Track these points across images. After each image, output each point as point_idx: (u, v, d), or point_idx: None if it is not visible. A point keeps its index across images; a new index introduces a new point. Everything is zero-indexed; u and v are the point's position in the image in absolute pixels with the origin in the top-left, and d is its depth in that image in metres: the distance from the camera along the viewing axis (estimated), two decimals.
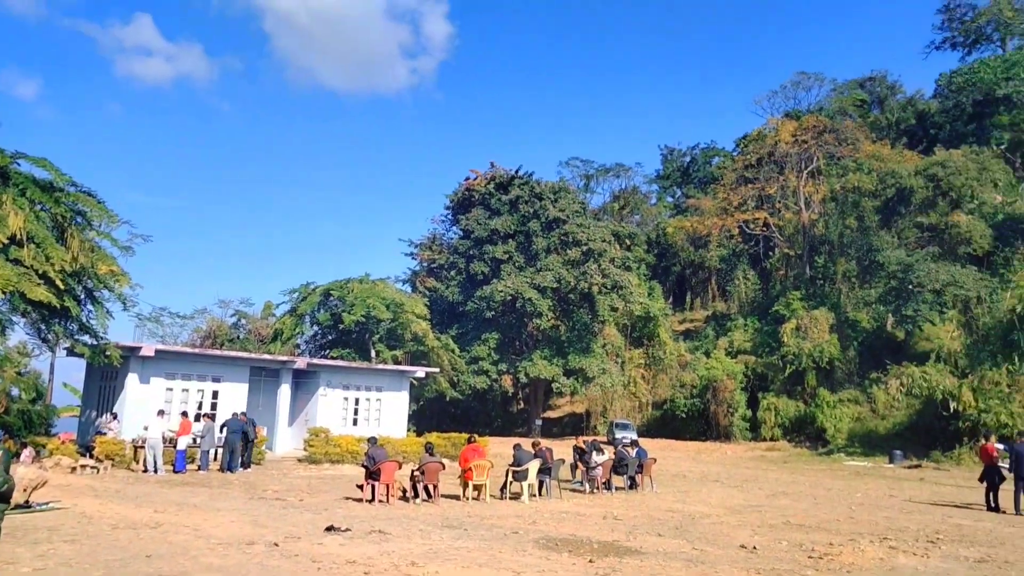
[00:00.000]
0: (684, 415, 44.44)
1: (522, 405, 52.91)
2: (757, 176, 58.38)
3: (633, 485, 18.43)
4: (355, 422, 27.26)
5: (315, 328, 40.60)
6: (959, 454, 30.03)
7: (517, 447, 16.97)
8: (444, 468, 15.38)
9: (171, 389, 22.49)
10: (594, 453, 18.14)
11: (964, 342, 36.80)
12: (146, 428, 19.33)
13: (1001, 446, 18.50)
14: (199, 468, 19.39)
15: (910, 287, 39.84)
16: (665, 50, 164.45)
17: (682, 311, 64.21)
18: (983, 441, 18.52)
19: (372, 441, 15.35)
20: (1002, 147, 53.28)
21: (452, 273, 47.40)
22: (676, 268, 66.02)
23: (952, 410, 30.71)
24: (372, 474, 14.27)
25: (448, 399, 42.62)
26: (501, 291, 41.98)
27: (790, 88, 75.38)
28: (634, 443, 20.07)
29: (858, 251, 48.12)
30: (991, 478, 16.68)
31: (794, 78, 75.25)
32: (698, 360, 48.00)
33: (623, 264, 47.31)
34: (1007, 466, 16.77)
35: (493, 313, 43.83)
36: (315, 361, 27.44)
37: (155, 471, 18.27)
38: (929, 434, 32.62)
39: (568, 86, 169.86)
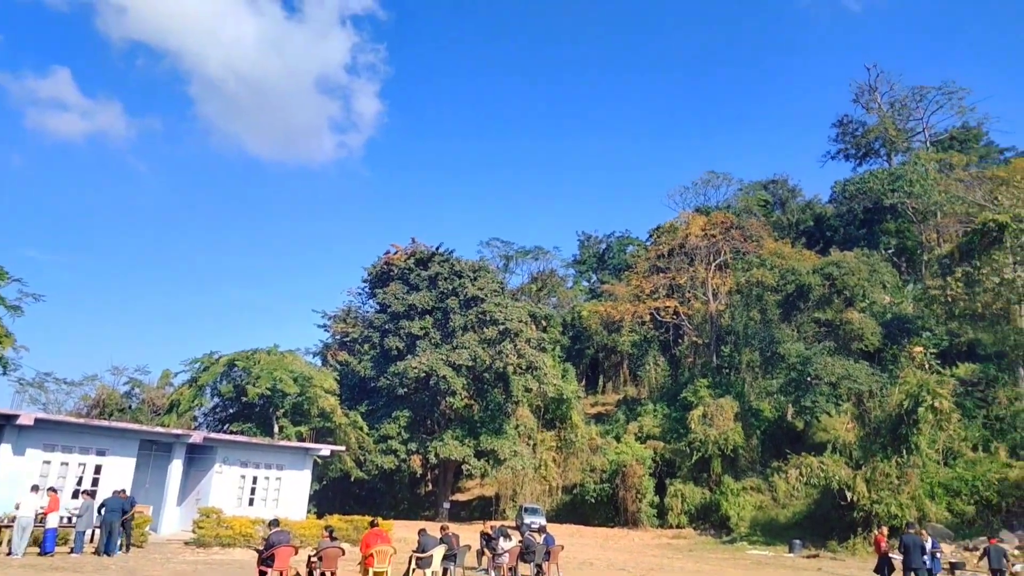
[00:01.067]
0: (593, 500, 44.19)
1: (430, 487, 51.46)
2: (669, 266, 60.80)
3: (539, 573, 17.99)
4: (251, 502, 25.77)
5: (216, 400, 38.69)
6: (854, 544, 30.92)
7: (422, 532, 16.37)
8: (344, 554, 14.62)
9: (49, 462, 20.68)
10: (501, 539, 17.69)
11: (858, 434, 38.54)
12: (17, 506, 17.62)
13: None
14: (72, 551, 17.73)
15: (808, 379, 41.72)
16: (586, 140, 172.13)
17: (594, 394, 64.81)
18: (876, 532, 19.14)
19: (273, 524, 14.49)
20: (889, 251, 57.66)
21: (366, 347, 46.49)
22: (590, 351, 66.99)
23: (848, 500, 31.78)
24: (265, 560, 13.39)
25: (353, 479, 41.01)
26: (415, 367, 41.37)
27: (701, 185, 79.97)
28: (542, 529, 19.69)
29: (761, 342, 50.24)
30: (883, 569, 17.20)
31: (705, 176, 79.84)
32: (608, 444, 48.24)
33: (539, 345, 47.67)
34: (898, 556, 17.35)
35: (406, 390, 43.01)
36: (212, 436, 25.96)
37: (18, 553, 16.57)
38: (827, 523, 33.53)
39: (493, 169, 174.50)
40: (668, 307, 58.89)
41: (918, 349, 42.85)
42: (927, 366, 42.08)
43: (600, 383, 67.57)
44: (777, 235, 68.36)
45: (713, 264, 58.89)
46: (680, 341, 60.66)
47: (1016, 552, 24.33)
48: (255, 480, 26.09)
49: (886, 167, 69.98)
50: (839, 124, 79.67)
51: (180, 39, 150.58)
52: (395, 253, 50.81)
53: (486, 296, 45.93)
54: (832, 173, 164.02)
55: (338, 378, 41.50)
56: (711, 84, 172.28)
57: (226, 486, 24.91)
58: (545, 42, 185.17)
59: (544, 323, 57.77)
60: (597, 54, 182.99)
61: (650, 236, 75.32)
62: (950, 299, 42.12)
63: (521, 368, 44.13)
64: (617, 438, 49.15)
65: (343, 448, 35.03)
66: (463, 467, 43.39)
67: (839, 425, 40.36)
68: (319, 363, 48.04)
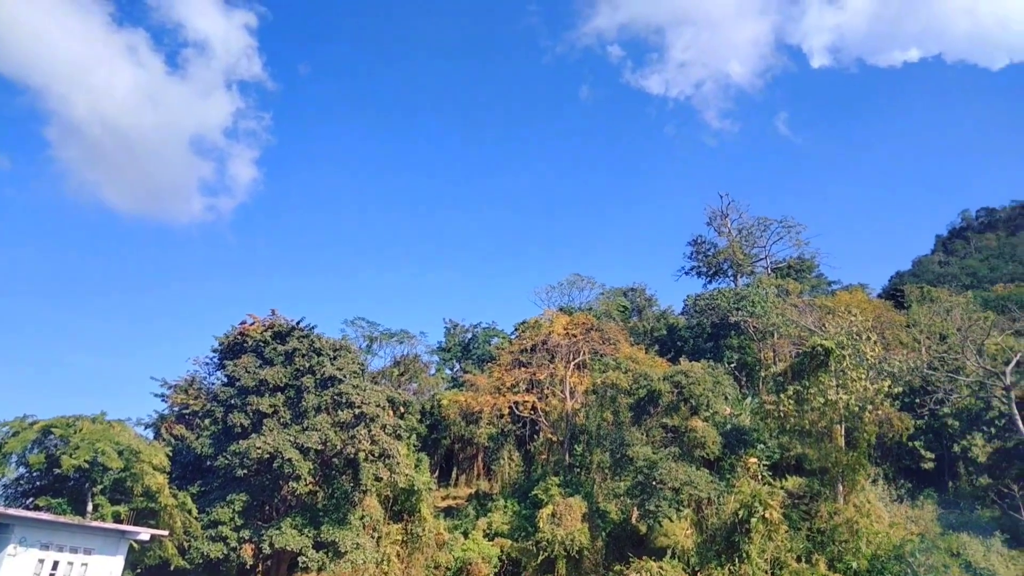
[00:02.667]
0: None
1: None
2: (531, 361, 61.83)
3: None
4: None
5: (21, 470, 34.36)
6: None
7: None
8: None
9: None
10: None
11: (696, 540, 39.84)
12: None
13: None
14: None
15: (654, 483, 42.99)
16: (462, 232, 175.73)
17: (447, 486, 63.39)
18: None
19: None
20: (732, 365, 61.77)
21: (206, 422, 43.36)
22: (446, 441, 65.95)
23: None
24: None
25: (173, 568, 37.17)
26: (259, 447, 38.87)
27: (567, 286, 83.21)
28: None
29: (612, 444, 51.55)
30: None
31: (571, 278, 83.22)
32: (456, 540, 46.96)
33: (395, 432, 46.38)
34: None
35: (245, 471, 40.16)
36: (9, 511, 22.92)
37: None
38: None
39: (364, 249, 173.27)
40: (527, 402, 59.47)
41: (753, 460, 45.50)
42: (760, 477, 44.69)
43: (454, 475, 66.29)
44: (633, 340, 71.70)
45: (572, 363, 60.53)
46: (536, 437, 61.12)
47: None
48: (56, 565, 23.14)
49: (732, 287, 76.03)
50: (693, 243, 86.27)
51: (45, 77, 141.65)
52: (252, 324, 48.50)
53: (345, 377, 44.49)
54: (685, 287, 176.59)
55: (171, 454, 38.26)
56: (585, 192, 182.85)
57: (19, 572, 21.86)
58: (433, 137, 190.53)
59: (402, 409, 56.43)
60: (480, 153, 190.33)
61: (515, 330, 76.74)
62: (782, 415, 45.38)
63: (374, 455, 42.56)
64: (465, 534, 47.98)
65: (166, 533, 31.93)
66: (299, 559, 40.54)
67: (679, 530, 41.59)
68: (151, 436, 44.24)
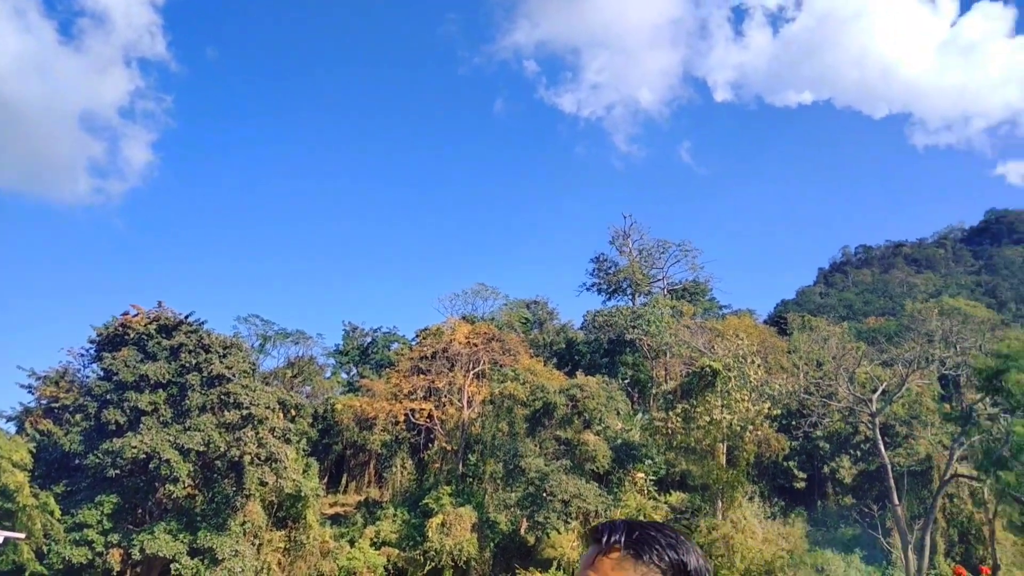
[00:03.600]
0: None
1: None
2: (430, 368, 61.37)
3: None
4: None
5: None
6: None
7: None
8: None
9: None
10: None
11: (582, 552, 40.50)
12: None
13: None
14: None
15: (544, 495, 43.54)
16: (367, 234, 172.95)
17: (335, 493, 61.87)
18: None
19: None
20: (626, 381, 63.53)
21: (77, 417, 40.56)
22: (338, 447, 64.40)
23: None
24: None
25: (29, 574, 34.47)
26: (135, 447, 36.72)
27: (471, 295, 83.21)
28: None
29: (506, 454, 51.84)
30: None
31: (475, 287, 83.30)
32: (342, 549, 45.83)
33: (284, 435, 44.90)
34: None
35: (118, 472, 37.79)
36: None
37: None
38: None
39: (261, 246, 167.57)
40: (424, 409, 58.95)
41: (640, 475, 46.88)
42: (647, 491, 46.11)
43: (344, 482, 64.78)
44: (533, 352, 72.45)
45: (472, 372, 60.53)
46: (431, 445, 60.63)
47: None
48: None
49: (630, 305, 78.29)
50: (596, 261, 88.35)
51: None
52: (135, 315, 45.86)
53: (234, 376, 42.74)
54: (586, 303, 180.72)
55: (34, 450, 35.54)
56: (495, 203, 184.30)
57: None
58: (341, 139, 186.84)
59: (294, 412, 54.75)
60: (389, 158, 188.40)
61: (416, 336, 75.99)
62: (670, 431, 46.98)
63: (260, 459, 41.01)
64: (352, 542, 46.91)
65: (22, 535, 29.54)
66: (172, 566, 38.45)
67: (566, 542, 42.25)
68: (13, 430, 40.92)
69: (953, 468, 38.37)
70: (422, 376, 61.06)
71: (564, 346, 77.46)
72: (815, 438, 51.19)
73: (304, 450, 55.26)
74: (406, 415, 58.30)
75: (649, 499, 44.01)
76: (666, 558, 1.90)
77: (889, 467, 39.10)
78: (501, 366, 62.32)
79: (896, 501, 37.72)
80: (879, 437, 40.04)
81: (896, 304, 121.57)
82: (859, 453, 50.63)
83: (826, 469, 52.12)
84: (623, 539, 1.93)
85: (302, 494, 46.47)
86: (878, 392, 42.92)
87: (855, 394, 43.58)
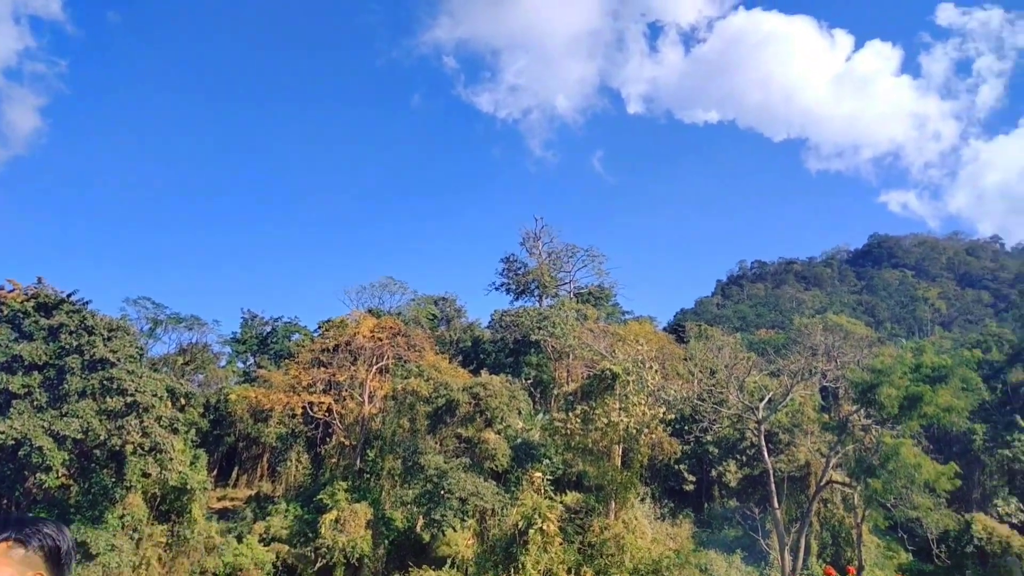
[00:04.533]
0: None
1: None
2: (332, 361, 60.02)
3: None
4: None
5: None
6: None
7: None
8: None
9: None
10: None
11: (476, 550, 40.70)
12: None
13: None
14: None
15: (442, 492, 43.39)
16: (271, 217, 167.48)
17: (225, 487, 59.60)
18: None
19: None
20: (529, 381, 64.19)
21: None
22: (230, 439, 62.06)
23: None
24: None
25: None
26: (2, 432, 34.10)
27: (378, 288, 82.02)
28: None
29: (405, 451, 51.35)
30: None
31: (383, 280, 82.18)
32: (228, 544, 44.13)
33: (171, 425, 42.78)
34: None
35: None
36: None
37: None
38: None
39: (155, 227, 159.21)
40: (323, 403, 57.57)
41: (538, 475, 47.41)
42: (543, 491, 46.68)
43: (234, 475, 62.48)
44: (439, 349, 72.12)
45: (375, 367, 59.63)
46: (328, 440, 59.32)
47: None
48: None
49: (537, 307, 79.21)
50: (506, 261, 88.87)
51: None
52: (12, 291, 42.62)
53: (119, 360, 40.37)
54: (494, 302, 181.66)
55: None
56: (408, 197, 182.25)
57: None
58: (251, 121, 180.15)
59: (183, 401, 52.26)
60: (300, 143, 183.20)
61: (319, 328, 74.19)
62: (569, 432, 47.80)
63: (143, 449, 38.92)
64: (240, 538, 45.26)
65: None
66: None
67: (462, 540, 42.29)
68: None
69: (829, 475, 40.84)
70: (323, 369, 59.62)
71: (470, 344, 77.54)
72: (705, 443, 53.33)
73: (193, 441, 52.86)
74: (304, 408, 56.78)
75: (545, 498, 44.58)
76: (46, 545, 2.52)
77: (771, 472, 41.22)
78: (405, 362, 61.66)
79: (776, 505, 39.80)
80: (764, 444, 42.14)
81: (785, 318, 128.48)
82: (745, 458, 53.14)
83: (714, 473, 54.39)
84: (13, 532, 2.47)
85: (188, 487, 44.44)
86: (765, 401, 45.15)
87: (744, 402, 45.67)
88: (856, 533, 45.42)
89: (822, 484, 40.43)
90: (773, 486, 40.20)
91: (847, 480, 39.06)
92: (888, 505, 44.14)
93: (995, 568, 41.48)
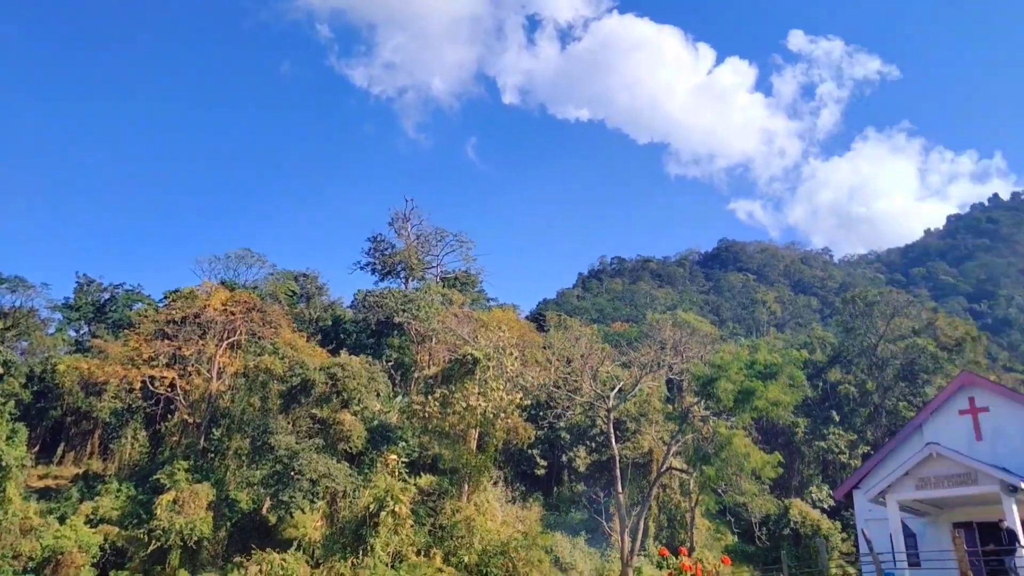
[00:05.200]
0: None
1: None
2: (177, 334, 56.45)
3: None
4: None
5: None
6: None
7: None
8: None
9: None
10: None
11: (325, 532, 39.89)
12: None
13: None
14: None
15: (292, 473, 42.09)
16: (115, 178, 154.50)
17: (48, 464, 54.72)
18: None
19: None
20: (390, 364, 63.52)
21: None
22: (56, 413, 57.01)
23: None
24: None
25: None
26: None
27: (234, 259, 77.95)
28: None
29: (255, 430, 49.32)
30: None
31: (240, 252, 78.19)
32: (49, 526, 40.55)
33: None
34: None
35: None
36: None
37: None
38: None
39: None
40: (166, 378, 54.03)
41: (392, 457, 47.16)
42: (397, 473, 46.50)
43: (60, 451, 57.47)
44: (297, 327, 69.71)
45: (226, 342, 56.73)
46: (170, 417, 55.87)
47: None
48: None
49: (403, 289, 78.44)
50: (373, 240, 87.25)
51: None
52: None
53: None
54: (358, 282, 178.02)
55: None
56: (273, 167, 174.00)
57: None
58: (105, 79, 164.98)
59: (1, 370, 47.47)
60: (152, 103, 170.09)
61: (165, 298, 69.51)
62: (427, 415, 47.86)
63: None
64: (63, 519, 41.72)
65: None
66: None
67: (310, 522, 41.29)
68: None
69: (669, 461, 43.50)
70: (168, 341, 55.90)
71: (331, 323, 75.57)
72: (558, 429, 55.16)
73: (12, 414, 48.03)
74: (144, 382, 53.04)
75: (399, 481, 44.43)
76: None
77: (617, 458, 43.33)
78: (260, 338, 59.12)
79: (620, 489, 41.92)
80: (612, 431, 44.21)
81: (640, 313, 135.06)
82: (594, 444, 55.50)
83: (564, 458, 56.40)
84: None
85: (3, 464, 40.41)
86: (616, 390, 47.31)
87: (597, 391, 47.63)
88: (690, 516, 48.75)
89: (662, 470, 43.02)
90: (618, 471, 42.29)
91: (685, 467, 41.81)
92: (719, 491, 47.72)
93: (806, 548, 45.98)
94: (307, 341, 63.49)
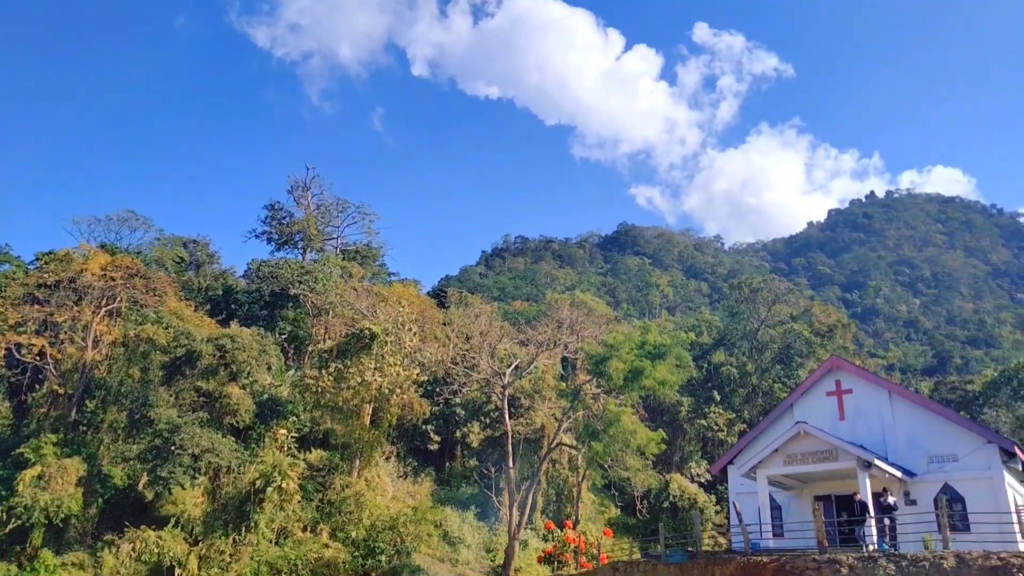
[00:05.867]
0: None
1: None
2: (49, 299, 52.63)
3: None
4: None
5: None
6: None
7: None
8: None
9: None
10: None
11: (206, 509, 38.49)
12: None
13: None
14: None
15: (172, 448, 40.29)
16: None
17: None
18: None
19: None
20: (283, 337, 61.68)
21: None
22: None
23: None
24: None
25: None
26: None
27: (116, 222, 73.29)
28: None
29: (133, 403, 46.92)
30: None
31: (123, 214, 73.64)
32: None
33: None
34: None
35: None
36: None
37: None
38: None
39: None
40: (35, 345, 50.37)
41: (282, 432, 45.99)
42: (287, 448, 45.40)
43: None
44: (185, 296, 66.55)
45: (104, 309, 53.43)
46: (38, 387, 52.14)
47: None
48: None
49: (300, 260, 76.14)
50: (270, 208, 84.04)
51: None
52: None
53: None
54: (253, 251, 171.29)
55: None
56: (161, 127, 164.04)
57: None
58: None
59: None
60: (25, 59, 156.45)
61: (36, 260, 64.59)
62: (320, 390, 46.90)
63: None
64: None
65: None
66: None
67: (190, 499, 39.73)
68: None
69: (559, 437, 44.53)
70: (38, 307, 52.00)
71: (221, 293, 72.51)
72: (454, 405, 55.35)
73: None
74: (8, 349, 49.25)
75: (288, 456, 43.39)
76: None
77: (510, 434, 43.94)
78: (142, 306, 56.00)
79: (511, 464, 42.58)
80: (506, 407, 44.76)
81: (540, 292, 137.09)
82: (488, 420, 56.06)
83: (458, 433, 56.70)
84: None
85: None
86: (512, 367, 47.89)
87: (494, 368, 48.04)
88: (576, 491, 50.23)
89: (553, 446, 44.00)
90: (510, 447, 42.90)
91: (574, 443, 42.92)
92: (605, 466, 49.38)
93: (683, 521, 48.39)
94: (195, 311, 60.68)
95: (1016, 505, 25.02)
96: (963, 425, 27.64)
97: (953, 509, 24.89)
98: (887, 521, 24.31)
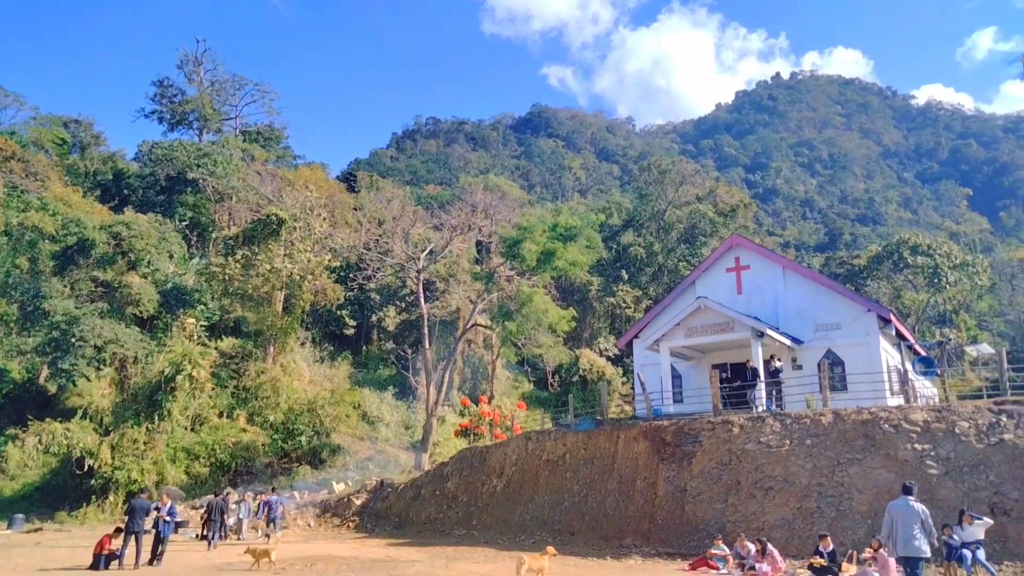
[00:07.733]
0: None
1: None
2: None
3: None
4: None
5: None
6: (86, 513, 30.05)
7: None
8: None
9: None
10: None
11: (114, 400, 37.75)
12: None
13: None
14: None
15: (73, 340, 38.78)
16: None
17: None
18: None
19: None
20: (184, 223, 58.91)
21: None
22: None
23: (87, 468, 30.72)
24: None
25: None
26: None
27: None
28: None
29: (23, 295, 44.45)
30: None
31: None
32: None
33: None
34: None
35: None
36: None
37: None
38: (61, 494, 31.69)
39: None
40: None
41: (191, 321, 44.92)
42: (196, 337, 44.49)
43: None
44: (70, 180, 62.11)
45: None
46: None
47: (234, 506, 27.63)
48: None
49: (196, 141, 71.71)
50: (159, 85, 77.97)
51: None
52: None
53: None
54: (143, 131, 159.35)
55: None
56: None
57: None
58: None
59: None
60: None
61: None
62: (228, 278, 45.63)
63: None
64: None
65: None
66: None
67: (96, 390, 38.80)
68: None
69: (474, 319, 45.35)
70: None
71: (111, 177, 67.94)
72: (368, 290, 55.13)
73: None
74: None
75: (198, 344, 42.59)
76: None
77: (426, 317, 44.39)
78: (23, 192, 52.06)
79: (427, 346, 43.28)
80: (422, 291, 44.96)
81: (453, 176, 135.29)
82: (404, 304, 56.35)
83: (374, 318, 56.88)
84: None
85: None
86: (426, 252, 47.76)
87: (408, 252, 47.76)
88: (491, 368, 51.93)
89: (468, 327, 44.85)
90: (426, 329, 43.44)
91: (489, 323, 43.84)
92: (519, 344, 50.97)
93: (591, 392, 51.08)
94: (83, 197, 56.99)
95: (888, 366, 27.66)
96: (847, 296, 29.83)
97: (834, 372, 27.28)
98: (775, 385, 26.50)
